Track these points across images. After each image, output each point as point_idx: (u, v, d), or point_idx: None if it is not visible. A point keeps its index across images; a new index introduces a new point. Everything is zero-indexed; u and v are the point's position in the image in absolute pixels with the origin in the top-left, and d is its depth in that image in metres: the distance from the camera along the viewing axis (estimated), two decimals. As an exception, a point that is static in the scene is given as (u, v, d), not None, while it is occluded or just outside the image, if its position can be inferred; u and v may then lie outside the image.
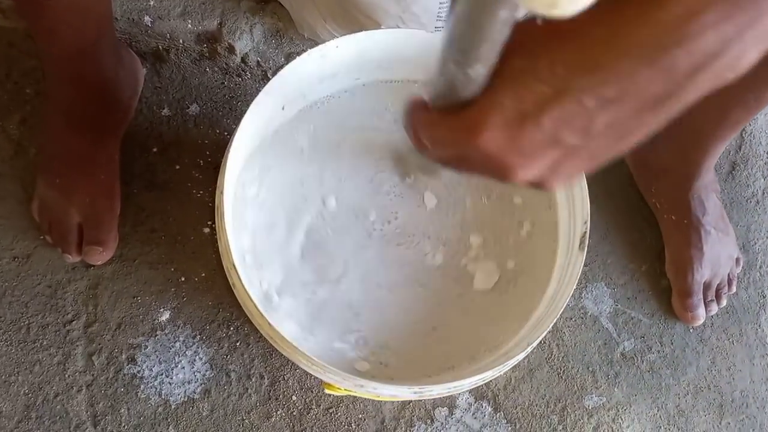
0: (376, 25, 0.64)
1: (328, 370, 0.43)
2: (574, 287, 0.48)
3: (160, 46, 0.75)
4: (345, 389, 0.46)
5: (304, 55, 0.48)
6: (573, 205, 0.51)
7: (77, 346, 0.67)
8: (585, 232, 0.48)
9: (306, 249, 0.54)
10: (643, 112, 0.28)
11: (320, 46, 0.49)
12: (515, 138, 0.29)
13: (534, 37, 0.28)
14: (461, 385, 0.45)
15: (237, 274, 0.44)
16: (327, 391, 0.48)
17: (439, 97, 0.32)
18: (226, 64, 0.76)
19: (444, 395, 0.48)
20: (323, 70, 0.52)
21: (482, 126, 0.29)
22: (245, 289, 0.44)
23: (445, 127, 0.31)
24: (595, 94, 0.27)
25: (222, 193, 0.45)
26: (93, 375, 0.66)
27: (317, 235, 0.54)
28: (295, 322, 0.51)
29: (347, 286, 0.53)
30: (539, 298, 0.51)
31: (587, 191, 0.49)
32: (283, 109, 0.52)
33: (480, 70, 0.28)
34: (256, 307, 0.43)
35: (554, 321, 0.46)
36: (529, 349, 0.46)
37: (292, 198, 0.54)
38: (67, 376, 0.66)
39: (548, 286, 0.51)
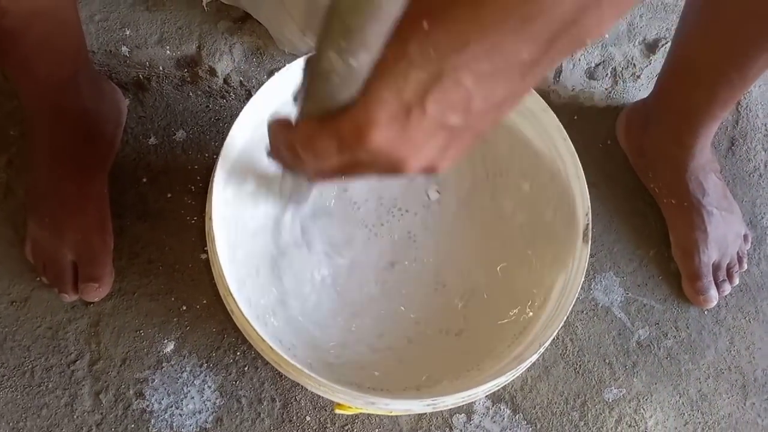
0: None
1: (337, 390, 0.41)
2: (582, 282, 0.46)
3: (140, 75, 0.74)
4: (356, 408, 0.45)
5: (283, 71, 0.47)
6: (573, 196, 0.50)
7: (83, 385, 0.66)
8: (587, 225, 0.47)
9: (299, 263, 0.52)
10: (515, 81, 0.29)
11: (301, 59, 0.48)
12: (404, 131, 0.29)
13: (402, 21, 0.28)
14: (475, 393, 0.43)
15: (234, 300, 0.43)
16: (337, 411, 0.47)
17: (312, 103, 0.30)
18: (208, 87, 0.75)
19: (459, 405, 0.46)
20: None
21: (369, 126, 0.29)
22: (244, 316, 0.42)
23: (327, 135, 0.30)
24: (470, 71, 0.28)
25: (211, 219, 0.44)
26: (102, 414, 0.65)
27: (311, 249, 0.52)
28: (295, 342, 0.49)
29: (350, 295, 0.51)
30: (547, 298, 0.49)
31: (585, 183, 0.48)
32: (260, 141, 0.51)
33: (364, 60, 0.28)
34: (256, 332, 0.42)
35: (564, 318, 0.45)
36: (541, 350, 0.44)
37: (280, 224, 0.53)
38: (75, 417, 0.65)
39: (555, 283, 0.50)
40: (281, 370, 0.44)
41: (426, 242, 0.55)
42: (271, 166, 0.37)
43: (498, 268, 0.54)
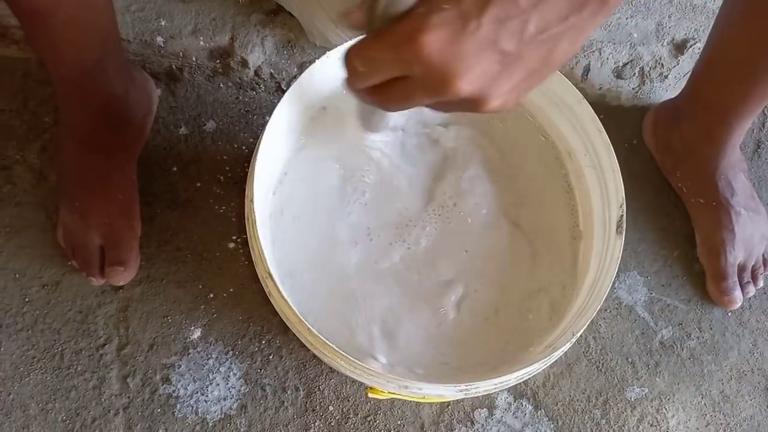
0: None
1: (371, 373, 0.42)
2: (615, 272, 0.46)
3: (173, 66, 0.75)
4: (389, 392, 0.45)
5: (323, 58, 0.48)
6: (606, 189, 0.50)
7: (111, 369, 0.67)
8: (621, 216, 0.47)
9: (338, 250, 0.53)
10: (570, 15, 0.29)
11: (339, 48, 0.48)
12: (456, 40, 0.29)
13: None
14: (507, 380, 0.44)
15: (273, 282, 0.43)
16: (370, 395, 0.48)
17: (374, 14, 0.31)
18: (239, 78, 0.76)
19: (490, 392, 0.47)
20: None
21: (423, 28, 0.29)
22: (283, 297, 0.43)
23: (382, 43, 0.31)
24: None
25: (252, 201, 0.45)
26: (129, 397, 0.66)
27: (348, 236, 0.53)
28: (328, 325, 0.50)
29: (382, 285, 0.52)
30: (579, 287, 0.50)
31: (620, 175, 0.48)
32: (307, 112, 0.52)
33: None
34: (295, 314, 0.43)
35: (598, 307, 0.45)
36: (574, 339, 0.45)
37: (326, 201, 0.53)
38: (103, 400, 0.66)
39: (587, 273, 0.50)
40: (317, 352, 0.45)
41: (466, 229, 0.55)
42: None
43: (529, 258, 0.54)
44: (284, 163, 0.54)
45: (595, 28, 0.31)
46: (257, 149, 0.47)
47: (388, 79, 0.33)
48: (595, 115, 0.50)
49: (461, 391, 0.43)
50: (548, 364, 0.46)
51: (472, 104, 0.32)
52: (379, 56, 0.31)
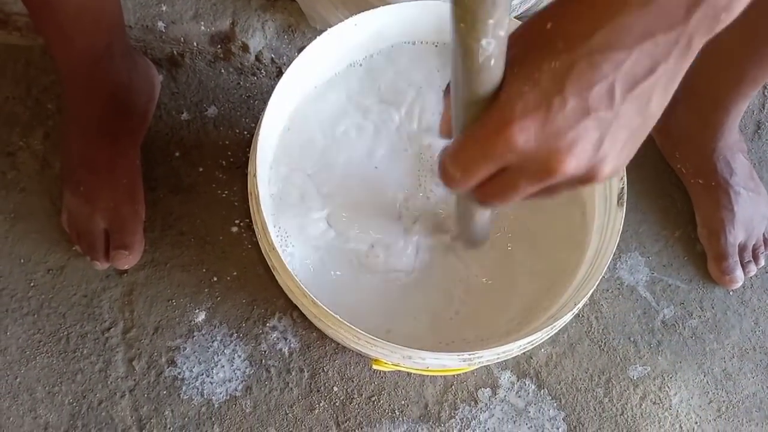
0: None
1: (375, 344, 0.42)
2: (616, 245, 0.47)
3: (174, 51, 0.76)
4: (393, 364, 0.46)
5: (324, 35, 0.48)
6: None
7: (117, 352, 0.67)
8: (622, 188, 0.48)
9: (340, 221, 0.53)
10: (656, 67, 0.28)
11: (338, 25, 0.49)
12: (547, 119, 0.28)
13: (523, 26, 0.28)
14: (510, 350, 0.44)
15: (277, 255, 0.44)
16: (375, 367, 0.48)
17: (458, 103, 0.30)
18: (240, 63, 0.77)
19: (493, 362, 0.47)
20: (345, 47, 0.51)
21: (510, 120, 0.28)
22: (286, 268, 0.43)
23: (472, 139, 0.30)
24: (603, 54, 0.27)
25: (255, 176, 0.45)
26: (135, 380, 0.67)
27: (352, 208, 0.53)
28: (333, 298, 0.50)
29: (387, 253, 0.52)
30: (580, 260, 0.50)
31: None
32: (305, 89, 0.52)
33: (492, 44, 0.27)
34: (298, 285, 0.43)
35: (599, 279, 0.46)
36: (575, 310, 0.45)
37: (327, 174, 0.54)
38: (109, 382, 0.66)
39: (588, 246, 0.51)
40: (320, 325, 0.45)
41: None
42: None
43: (530, 230, 0.55)
44: (289, 136, 0.54)
45: (685, 69, 0.30)
46: (259, 126, 0.47)
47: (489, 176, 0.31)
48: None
49: (465, 360, 0.43)
50: (551, 335, 0.46)
51: (585, 178, 0.30)
52: (474, 158, 0.30)
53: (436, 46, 0.56)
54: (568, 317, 0.45)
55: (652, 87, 0.29)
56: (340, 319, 0.42)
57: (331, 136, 0.55)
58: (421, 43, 0.56)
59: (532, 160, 0.29)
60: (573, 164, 0.29)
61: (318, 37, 0.49)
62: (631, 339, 0.73)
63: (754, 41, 0.60)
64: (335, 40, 0.51)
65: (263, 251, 0.47)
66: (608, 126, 0.29)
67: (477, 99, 0.29)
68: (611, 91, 0.28)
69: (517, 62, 0.29)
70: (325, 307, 0.42)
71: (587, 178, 0.30)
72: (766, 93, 0.84)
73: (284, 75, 0.48)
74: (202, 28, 0.74)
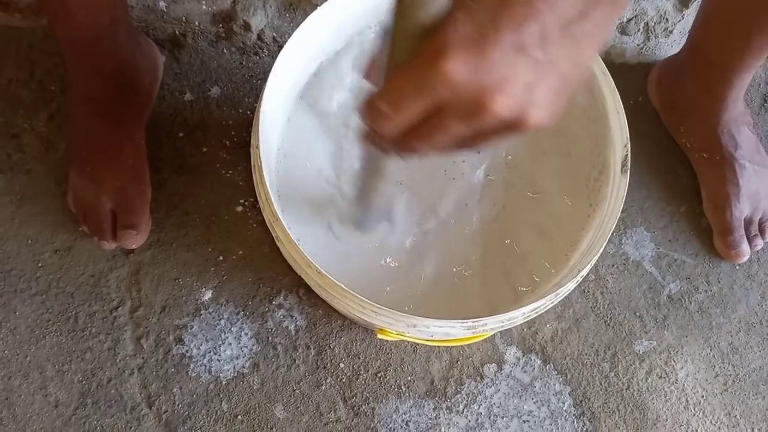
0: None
1: (380, 312, 0.42)
2: (620, 212, 0.47)
3: (176, 31, 0.76)
4: (397, 333, 0.46)
5: (326, 5, 0.48)
6: (611, 129, 0.50)
7: (125, 331, 0.68)
8: (626, 155, 0.47)
9: (345, 193, 0.53)
10: (588, 9, 0.28)
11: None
12: (481, 52, 0.27)
13: None
14: (515, 317, 0.44)
15: (281, 225, 0.44)
16: (379, 337, 0.48)
17: (397, 38, 0.29)
18: (242, 43, 0.77)
19: (497, 329, 0.47)
20: (345, 19, 0.51)
21: (444, 51, 0.27)
22: (290, 238, 0.43)
23: (404, 72, 0.29)
24: None
25: (257, 147, 0.45)
26: (143, 358, 0.67)
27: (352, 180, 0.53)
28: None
29: (391, 227, 0.52)
30: (586, 229, 0.50)
31: (625, 116, 0.48)
32: (308, 62, 0.52)
33: None
34: (302, 255, 0.43)
35: (603, 246, 0.46)
36: (579, 277, 0.45)
37: (331, 146, 0.54)
38: (118, 360, 0.67)
39: (592, 215, 0.50)
40: (325, 295, 0.45)
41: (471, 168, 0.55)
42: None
43: (535, 200, 0.54)
44: (292, 108, 0.54)
45: (615, 20, 0.30)
46: (261, 96, 0.47)
47: (419, 119, 0.30)
48: (599, 57, 0.50)
49: (469, 328, 0.43)
50: (555, 302, 0.47)
51: (514, 123, 0.29)
52: (403, 91, 0.29)
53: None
54: (572, 285, 0.45)
55: (584, 32, 0.29)
56: (345, 288, 0.42)
57: (336, 108, 0.55)
58: None
59: (464, 95, 0.28)
60: (503, 103, 0.28)
61: (316, 9, 0.49)
62: (637, 314, 0.73)
63: (759, 11, 0.59)
64: (338, 11, 0.50)
65: (267, 223, 0.48)
66: (540, 69, 0.28)
67: (414, 33, 0.28)
68: (544, 30, 0.28)
69: None
70: (329, 276, 0.42)
71: (517, 122, 0.29)
72: (772, 66, 0.83)
73: (285, 46, 0.48)
74: (204, 7, 0.74)
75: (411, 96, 0.29)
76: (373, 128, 0.31)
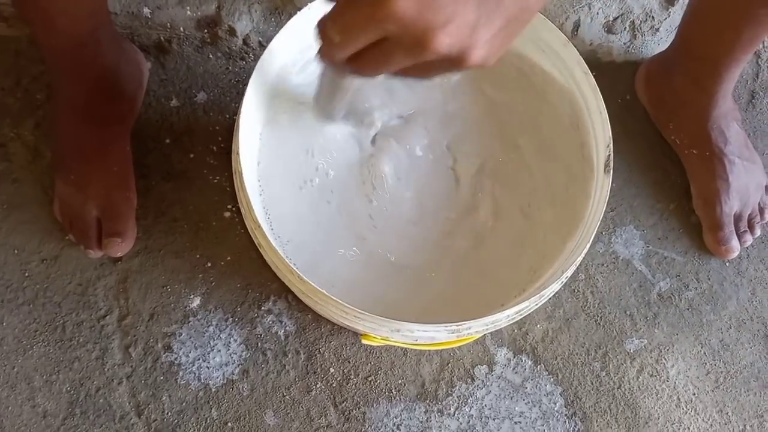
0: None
1: (363, 317, 0.42)
2: (603, 212, 0.47)
3: (161, 37, 0.75)
4: (381, 338, 0.46)
5: (308, 7, 0.48)
6: (594, 129, 0.50)
7: (113, 339, 0.68)
8: (609, 155, 0.47)
9: (330, 197, 0.53)
10: None
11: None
12: None
13: None
14: (498, 320, 0.44)
15: (262, 232, 0.44)
16: (364, 342, 0.48)
17: None
18: (228, 48, 0.76)
19: (482, 332, 0.47)
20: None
21: None
22: (271, 245, 0.43)
23: (352, 5, 0.30)
24: None
25: (238, 153, 0.45)
26: (132, 366, 0.67)
27: (332, 187, 0.53)
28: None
29: (371, 233, 0.52)
30: (570, 229, 0.50)
31: (607, 115, 0.48)
32: (291, 66, 0.52)
33: None
34: (283, 261, 0.43)
35: (587, 247, 0.45)
36: (563, 278, 0.45)
37: (311, 154, 0.54)
38: (106, 370, 0.67)
39: (577, 215, 0.50)
40: (308, 302, 0.45)
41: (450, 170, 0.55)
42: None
43: (520, 206, 0.54)
44: (274, 114, 0.54)
45: None
46: (241, 103, 0.47)
47: (366, 45, 0.32)
48: (581, 57, 0.50)
49: (453, 332, 0.43)
50: (539, 304, 0.46)
51: (454, 60, 0.31)
52: (353, 22, 0.30)
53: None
54: (556, 286, 0.45)
55: None
56: (327, 294, 0.42)
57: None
58: None
59: (409, 31, 0.29)
60: (446, 42, 0.29)
61: (300, 11, 0.48)
62: (627, 312, 0.73)
63: (749, 2, 0.59)
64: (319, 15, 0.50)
65: (249, 230, 0.47)
66: (487, 10, 0.29)
67: None
68: None
69: None
70: (311, 282, 0.42)
71: (458, 60, 0.31)
72: (759, 62, 0.83)
73: (266, 49, 0.47)
74: (188, 12, 0.74)
75: (359, 27, 0.31)
76: (324, 50, 0.33)
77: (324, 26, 0.32)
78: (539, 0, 0.31)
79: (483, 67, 0.32)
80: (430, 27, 0.29)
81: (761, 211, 0.74)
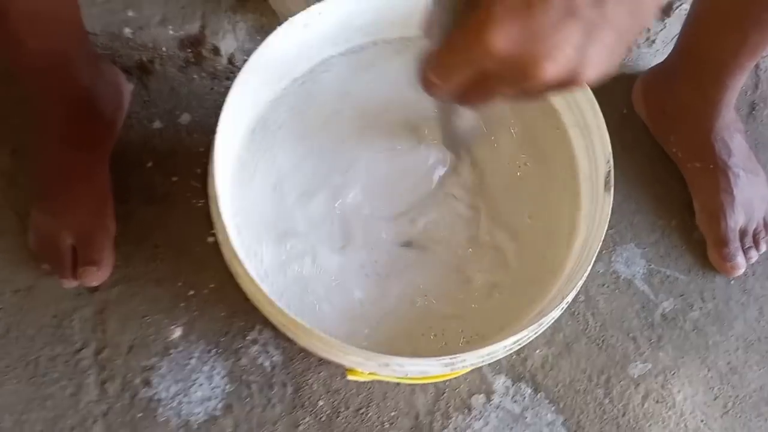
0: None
1: (348, 351, 0.39)
2: (605, 232, 0.44)
3: (144, 58, 0.73)
4: (369, 373, 0.42)
5: (285, 25, 0.45)
6: (592, 147, 0.47)
7: (89, 375, 0.64)
8: (609, 171, 0.45)
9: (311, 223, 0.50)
10: None
11: (302, 14, 0.46)
12: (527, 21, 0.26)
13: None
14: (495, 351, 0.41)
15: (239, 261, 0.41)
16: (350, 378, 0.45)
17: (439, 12, 0.30)
18: (213, 68, 0.74)
19: (477, 365, 0.44)
20: (307, 41, 0.49)
21: (487, 23, 0.27)
22: (249, 276, 0.40)
23: (451, 45, 0.29)
24: None
25: (214, 176, 0.42)
26: (108, 403, 0.63)
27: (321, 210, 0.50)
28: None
29: (356, 254, 0.49)
30: (569, 251, 0.47)
31: (606, 130, 0.46)
32: (268, 87, 0.49)
33: None
34: (263, 292, 0.40)
35: (588, 270, 0.42)
36: (563, 304, 0.42)
37: (297, 178, 0.51)
38: (81, 407, 0.63)
39: (576, 236, 0.48)
40: (290, 335, 0.42)
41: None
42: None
43: (518, 224, 0.51)
44: (251, 138, 0.51)
45: None
46: (218, 125, 0.44)
47: (468, 84, 0.31)
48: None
49: (446, 365, 0.40)
50: (538, 333, 0.43)
51: (566, 83, 0.29)
52: (452, 64, 0.30)
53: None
54: (556, 313, 0.42)
55: None
56: (309, 327, 0.39)
57: (300, 133, 0.52)
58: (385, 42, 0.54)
59: (511, 65, 0.28)
60: (552, 70, 0.28)
61: (280, 27, 0.46)
62: (630, 335, 0.69)
63: (755, 6, 0.57)
64: (299, 30, 0.48)
65: (226, 259, 0.44)
66: (594, 28, 0.28)
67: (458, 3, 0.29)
68: None
69: None
70: (292, 315, 0.39)
71: (568, 82, 0.29)
72: (758, 73, 0.81)
73: (245, 66, 0.45)
74: (171, 32, 0.72)
75: (457, 69, 0.30)
76: (426, 91, 0.33)
77: (423, 70, 0.32)
78: (652, 5, 0.29)
79: (597, 83, 0.31)
80: (532, 58, 0.28)
81: (766, 225, 0.72)
